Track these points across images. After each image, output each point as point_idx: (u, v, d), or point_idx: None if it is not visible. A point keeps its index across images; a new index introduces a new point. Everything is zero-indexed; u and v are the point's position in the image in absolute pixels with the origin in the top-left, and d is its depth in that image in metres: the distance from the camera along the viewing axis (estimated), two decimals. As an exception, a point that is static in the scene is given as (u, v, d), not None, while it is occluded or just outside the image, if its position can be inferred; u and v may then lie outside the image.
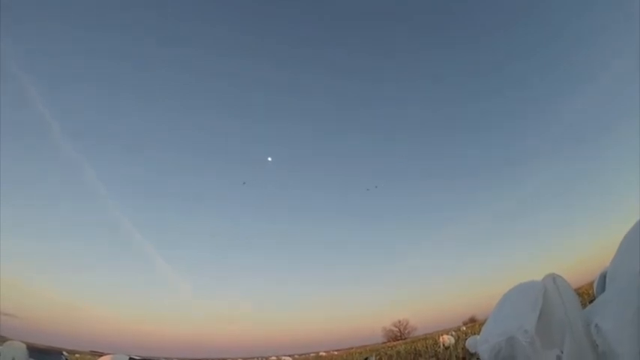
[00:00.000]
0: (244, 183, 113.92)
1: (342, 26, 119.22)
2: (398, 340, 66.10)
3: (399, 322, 76.15)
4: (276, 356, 54.74)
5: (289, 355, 57.65)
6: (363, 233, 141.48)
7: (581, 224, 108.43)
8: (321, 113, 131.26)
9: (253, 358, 65.20)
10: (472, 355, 13.03)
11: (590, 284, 13.75)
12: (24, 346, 10.84)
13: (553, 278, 2.73)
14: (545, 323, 2.64)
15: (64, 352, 12.87)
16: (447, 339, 20.25)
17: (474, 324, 46.11)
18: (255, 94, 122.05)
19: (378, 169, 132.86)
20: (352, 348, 65.68)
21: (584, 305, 2.62)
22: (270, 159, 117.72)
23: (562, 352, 2.47)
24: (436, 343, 22.02)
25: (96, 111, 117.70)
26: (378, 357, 18.17)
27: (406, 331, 73.69)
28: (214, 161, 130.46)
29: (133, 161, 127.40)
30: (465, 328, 34.60)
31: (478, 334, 16.34)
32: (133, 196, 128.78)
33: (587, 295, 15.83)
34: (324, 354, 55.82)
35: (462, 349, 15.35)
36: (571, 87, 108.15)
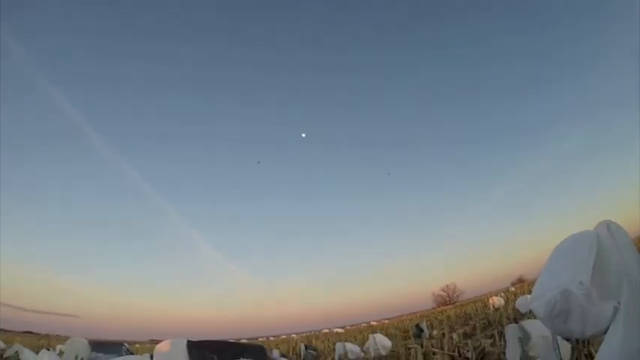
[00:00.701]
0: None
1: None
2: (447, 304, 66.10)
3: (447, 286, 76.00)
4: (328, 329, 55.90)
5: (341, 327, 58.77)
6: (406, 201, 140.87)
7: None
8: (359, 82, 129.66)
9: (305, 332, 66.85)
10: (523, 315, 12.78)
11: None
12: (86, 341, 11.19)
13: (607, 225, 2.54)
14: (601, 274, 2.49)
15: (125, 344, 13.42)
16: (497, 300, 19.99)
17: (522, 284, 45.32)
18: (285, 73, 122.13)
19: (419, 136, 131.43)
20: (402, 315, 66.31)
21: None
22: (304, 135, 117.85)
23: (619, 303, 2.32)
24: (485, 305, 21.81)
25: (133, 110, 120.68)
26: (428, 322, 18.12)
27: (455, 295, 73.57)
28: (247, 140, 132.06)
29: (169, 153, 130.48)
30: (513, 289, 34.02)
31: (527, 293, 16.03)
32: (174, 187, 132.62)
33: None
34: (374, 323, 56.44)
35: (513, 309, 15.09)
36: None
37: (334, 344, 13.83)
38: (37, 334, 46.68)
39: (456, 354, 9.23)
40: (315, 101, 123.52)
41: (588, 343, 4.77)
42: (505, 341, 4.77)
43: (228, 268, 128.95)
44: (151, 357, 6.24)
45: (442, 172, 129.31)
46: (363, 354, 11.75)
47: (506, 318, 13.48)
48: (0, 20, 77.86)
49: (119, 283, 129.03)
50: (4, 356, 13.08)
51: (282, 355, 14.83)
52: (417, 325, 14.74)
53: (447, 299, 72.63)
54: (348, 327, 61.72)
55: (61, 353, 11.36)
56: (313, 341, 23.50)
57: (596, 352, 2.75)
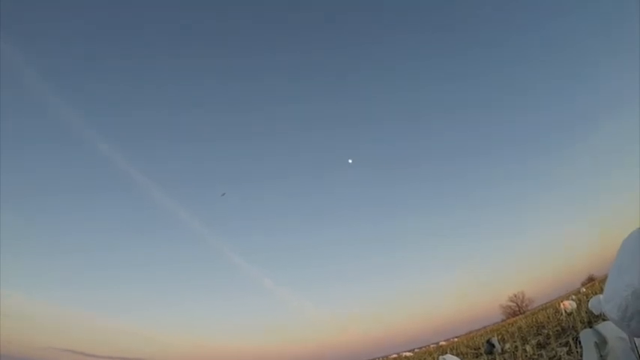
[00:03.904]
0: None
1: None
2: (517, 315, 63.05)
3: (515, 296, 72.45)
4: (397, 354, 54.64)
5: (409, 351, 57.29)
6: (460, 218, 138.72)
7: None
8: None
9: (375, 358, 65.47)
10: (597, 317, 12.29)
11: None
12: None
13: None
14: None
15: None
16: (569, 304, 19.12)
17: (592, 283, 42.93)
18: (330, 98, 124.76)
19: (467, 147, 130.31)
20: (472, 332, 63.89)
21: None
22: (350, 161, 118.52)
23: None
24: (557, 310, 20.90)
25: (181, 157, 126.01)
26: (499, 336, 17.60)
27: (524, 305, 70.06)
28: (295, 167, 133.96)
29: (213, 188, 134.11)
30: (584, 290, 32.29)
31: (599, 293, 15.34)
32: (227, 226, 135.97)
33: None
34: (444, 343, 54.74)
35: (586, 312, 14.50)
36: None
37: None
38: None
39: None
40: (360, 127, 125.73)
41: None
42: (581, 347, 4.68)
43: (288, 299, 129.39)
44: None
45: (491, 182, 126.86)
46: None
47: (580, 322, 12.98)
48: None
49: (184, 323, 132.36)
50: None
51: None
52: (488, 341, 14.41)
53: (517, 309, 69.22)
54: (416, 350, 60.12)
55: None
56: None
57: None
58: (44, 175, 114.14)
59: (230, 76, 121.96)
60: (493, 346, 13.74)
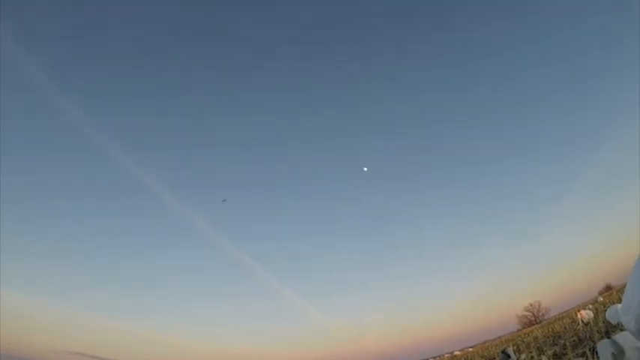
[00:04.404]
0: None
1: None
2: (533, 324, 62.05)
3: (531, 305, 71.37)
4: (410, 364, 54.13)
5: (423, 360, 56.73)
6: (477, 227, 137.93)
7: None
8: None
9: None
10: (615, 326, 12.07)
11: None
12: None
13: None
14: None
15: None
16: (586, 314, 18.76)
17: (610, 292, 42.17)
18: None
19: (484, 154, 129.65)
20: (487, 341, 63.00)
21: None
22: (365, 169, 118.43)
23: None
24: (574, 320, 20.54)
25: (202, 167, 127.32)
26: (514, 347, 17.38)
27: (540, 314, 68.95)
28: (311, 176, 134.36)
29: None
30: (602, 299, 31.67)
31: (617, 302, 15.05)
32: (244, 235, 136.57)
33: None
34: (458, 353, 54.09)
35: (603, 322, 14.24)
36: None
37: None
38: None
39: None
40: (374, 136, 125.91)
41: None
42: (599, 358, 4.62)
43: (306, 309, 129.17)
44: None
45: (507, 190, 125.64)
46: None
47: (597, 332, 12.75)
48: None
49: (204, 331, 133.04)
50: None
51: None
52: (504, 351, 14.22)
53: (533, 319, 68.16)
54: (430, 359, 59.47)
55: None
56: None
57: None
58: (61, 181, 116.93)
59: (247, 83, 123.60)
60: (508, 356, 13.56)
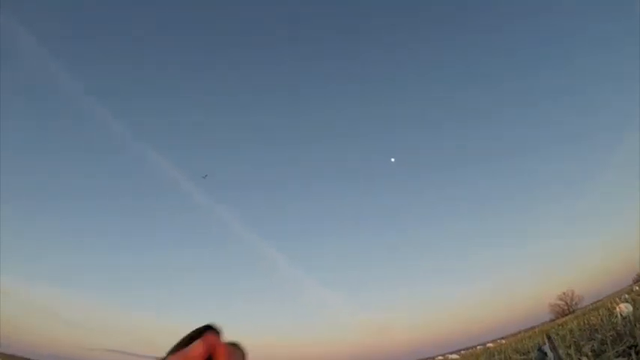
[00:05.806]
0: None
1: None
2: (567, 314, 60.74)
3: (564, 294, 69.76)
4: (442, 355, 53.81)
5: (455, 352, 56.29)
6: (504, 218, 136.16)
7: None
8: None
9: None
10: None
11: None
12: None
13: None
14: None
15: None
16: (624, 307, 18.27)
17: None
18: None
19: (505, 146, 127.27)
20: (519, 332, 62.03)
21: None
22: (393, 159, 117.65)
23: None
24: (611, 313, 20.02)
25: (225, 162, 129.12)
26: (551, 344, 17.07)
27: (574, 303, 67.45)
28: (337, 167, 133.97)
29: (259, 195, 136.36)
30: (637, 288, 30.74)
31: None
32: (272, 230, 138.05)
33: None
34: (491, 345, 53.48)
35: (643, 315, 13.86)
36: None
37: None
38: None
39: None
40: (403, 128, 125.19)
41: None
42: None
43: (334, 302, 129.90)
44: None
45: (538, 179, 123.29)
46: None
47: (638, 329, 12.41)
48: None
49: (235, 325, 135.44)
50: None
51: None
52: (540, 349, 13.97)
53: (566, 308, 66.74)
54: (462, 352, 58.98)
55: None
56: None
57: None
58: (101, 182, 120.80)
59: (274, 82, 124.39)
60: (545, 354, 13.34)
